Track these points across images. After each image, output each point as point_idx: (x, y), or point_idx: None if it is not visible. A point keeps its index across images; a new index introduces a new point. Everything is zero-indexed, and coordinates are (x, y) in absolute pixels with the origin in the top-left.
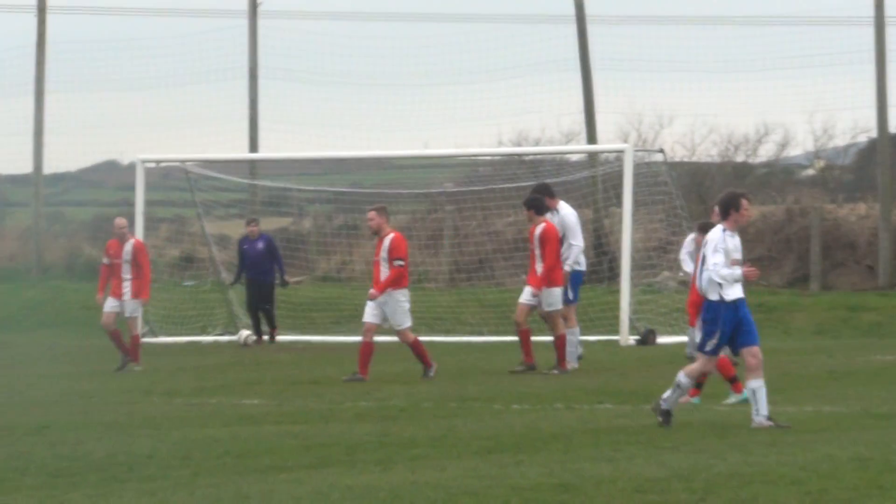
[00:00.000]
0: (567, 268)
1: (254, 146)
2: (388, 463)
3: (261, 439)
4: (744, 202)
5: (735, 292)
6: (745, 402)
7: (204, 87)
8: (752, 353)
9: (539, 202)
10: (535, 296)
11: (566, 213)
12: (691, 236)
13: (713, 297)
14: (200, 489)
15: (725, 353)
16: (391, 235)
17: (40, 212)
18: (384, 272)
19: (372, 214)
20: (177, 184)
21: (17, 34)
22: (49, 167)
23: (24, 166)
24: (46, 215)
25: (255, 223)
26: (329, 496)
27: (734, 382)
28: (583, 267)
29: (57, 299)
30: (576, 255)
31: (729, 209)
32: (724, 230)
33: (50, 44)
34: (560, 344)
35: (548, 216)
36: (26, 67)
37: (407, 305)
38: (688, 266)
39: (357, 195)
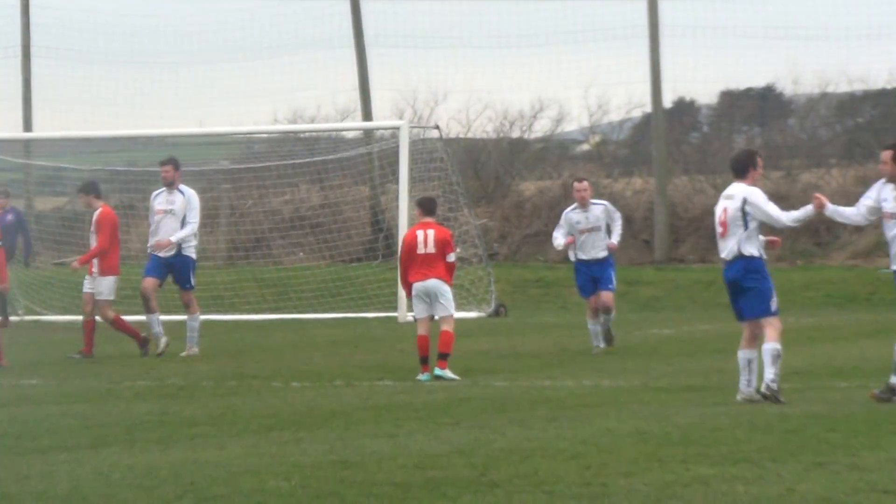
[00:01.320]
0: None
1: (28, 125)
2: (168, 442)
3: (40, 420)
4: (759, 159)
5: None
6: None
7: None
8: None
9: (93, 187)
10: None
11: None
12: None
13: (756, 253)
14: None
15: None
16: (98, 210)
17: None
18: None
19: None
20: None
21: None
22: None
23: None
24: None
25: (5, 195)
26: (109, 476)
27: (425, 364)
28: (193, 253)
29: None
30: (187, 235)
31: (748, 167)
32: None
33: None
34: (89, 328)
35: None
36: None
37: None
38: (560, 242)
39: (133, 174)
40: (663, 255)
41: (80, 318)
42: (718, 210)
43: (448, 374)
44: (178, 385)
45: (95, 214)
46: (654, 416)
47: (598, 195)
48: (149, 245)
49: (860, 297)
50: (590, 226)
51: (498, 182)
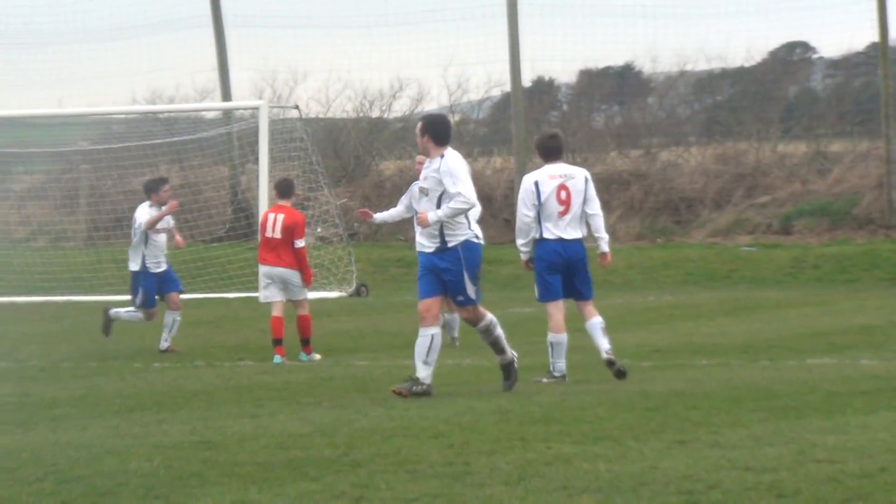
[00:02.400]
0: None
1: None
2: (29, 424)
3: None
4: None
5: None
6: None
7: None
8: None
9: None
10: None
11: None
12: None
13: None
14: None
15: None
16: None
17: None
18: None
19: None
20: None
21: None
22: None
23: None
24: None
25: None
26: None
27: (279, 345)
28: None
29: None
30: None
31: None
32: None
33: None
34: None
35: None
36: None
37: None
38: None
39: None
40: None
41: None
42: (552, 188)
43: (314, 356)
44: (39, 366)
45: None
46: (516, 394)
47: None
48: None
49: (720, 274)
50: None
51: (358, 161)
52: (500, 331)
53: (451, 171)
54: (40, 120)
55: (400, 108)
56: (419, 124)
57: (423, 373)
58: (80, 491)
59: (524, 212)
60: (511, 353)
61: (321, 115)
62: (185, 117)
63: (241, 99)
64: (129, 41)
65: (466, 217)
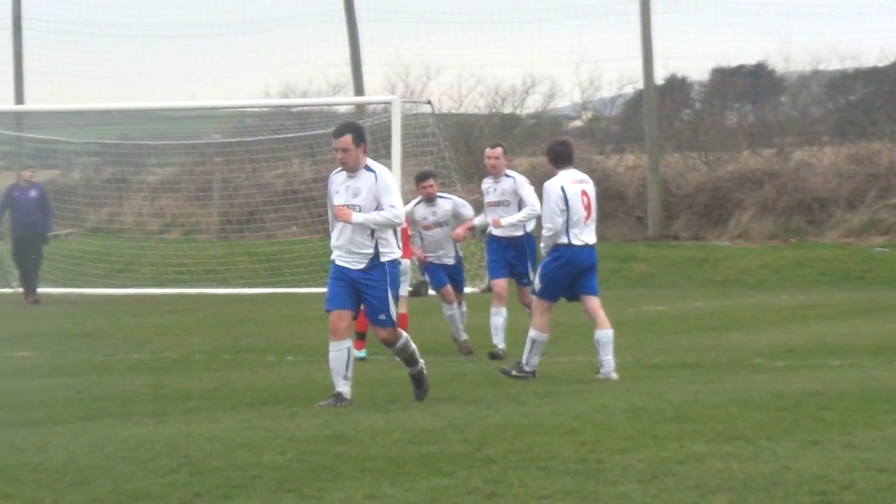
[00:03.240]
0: None
1: (19, 98)
2: (162, 415)
3: (34, 392)
4: None
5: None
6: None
7: None
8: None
9: None
10: None
11: None
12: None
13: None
14: None
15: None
16: None
17: None
18: None
19: None
20: None
21: None
22: None
23: None
24: None
25: (31, 169)
26: (104, 449)
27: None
28: None
29: None
30: None
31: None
32: None
33: None
34: None
35: None
36: None
37: None
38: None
39: (125, 147)
40: (656, 231)
41: (75, 290)
42: (576, 194)
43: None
44: (172, 359)
45: None
46: (649, 392)
47: (590, 172)
48: None
49: (853, 275)
50: (496, 199)
51: None
52: (413, 345)
53: (388, 184)
54: (175, 112)
55: (532, 105)
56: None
57: (345, 388)
58: (214, 483)
59: (556, 218)
60: (421, 362)
61: (453, 111)
62: (318, 111)
63: (374, 93)
64: (263, 35)
65: (395, 234)
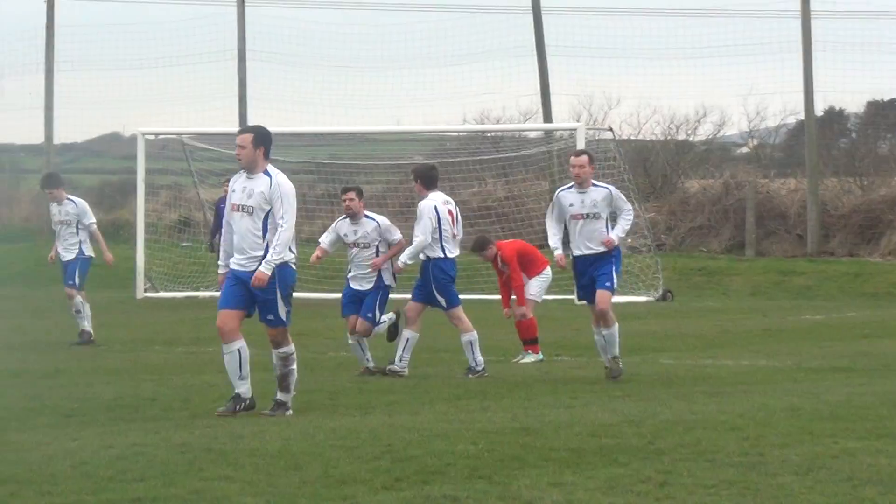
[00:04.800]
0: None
1: (243, 121)
2: (367, 408)
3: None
4: None
5: None
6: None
7: (198, 67)
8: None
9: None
10: None
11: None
12: None
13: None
14: (199, 429)
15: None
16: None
17: None
18: None
19: None
20: (174, 154)
21: (28, 17)
22: (58, 138)
23: (37, 137)
24: None
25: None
26: (314, 437)
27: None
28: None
29: None
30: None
31: None
32: None
33: (58, 26)
34: None
35: None
36: (37, 47)
37: None
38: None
39: (336, 166)
40: (815, 248)
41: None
42: (445, 213)
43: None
44: (376, 357)
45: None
46: (806, 393)
47: (755, 193)
48: None
49: None
50: (584, 211)
51: (665, 180)
52: (294, 367)
53: (285, 193)
54: (381, 136)
55: (704, 133)
56: (250, 136)
57: (243, 388)
58: (413, 469)
59: (428, 233)
60: (292, 395)
61: (632, 137)
62: (510, 136)
63: (561, 121)
64: (461, 67)
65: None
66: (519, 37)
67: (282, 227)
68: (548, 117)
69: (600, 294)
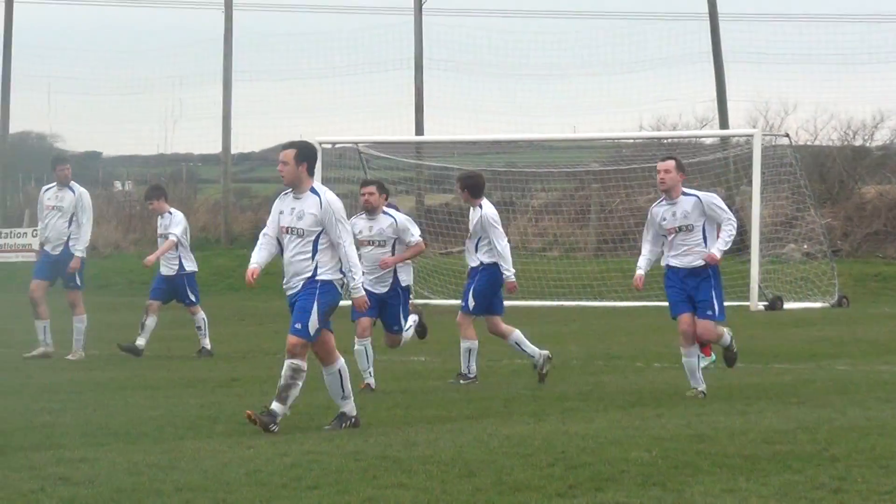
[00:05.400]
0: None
1: (419, 129)
2: (541, 415)
3: (427, 393)
4: None
5: None
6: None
7: (374, 76)
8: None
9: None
10: None
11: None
12: None
13: None
14: (373, 437)
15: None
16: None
17: (228, 188)
18: None
19: None
20: (351, 163)
21: (206, 28)
22: (236, 148)
23: (214, 147)
24: (234, 191)
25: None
26: (488, 444)
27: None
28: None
29: (243, 266)
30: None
31: None
32: None
33: (236, 37)
34: None
35: None
36: (215, 58)
37: None
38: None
39: (512, 174)
40: None
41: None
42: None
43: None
44: (550, 364)
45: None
46: None
47: None
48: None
49: None
50: (676, 224)
51: (841, 185)
52: (300, 385)
53: (338, 212)
54: (557, 143)
55: (881, 138)
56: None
57: (348, 406)
58: (586, 476)
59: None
60: (286, 408)
61: (809, 143)
62: (686, 143)
63: (737, 127)
64: (636, 75)
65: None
66: (695, 43)
67: (343, 247)
68: (724, 123)
69: (702, 325)
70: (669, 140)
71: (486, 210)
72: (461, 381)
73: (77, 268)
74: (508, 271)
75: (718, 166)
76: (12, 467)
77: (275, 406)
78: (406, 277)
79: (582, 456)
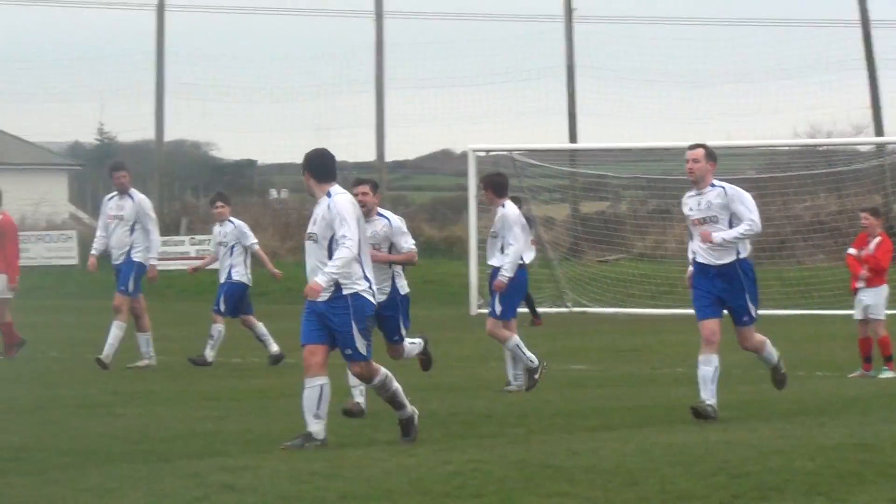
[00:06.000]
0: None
1: (572, 137)
2: (702, 424)
3: (588, 401)
4: None
5: None
6: None
7: (526, 83)
8: None
9: None
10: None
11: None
12: None
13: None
14: (535, 445)
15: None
16: None
17: (384, 195)
18: None
19: None
20: (505, 171)
21: (357, 36)
22: (390, 156)
23: (368, 155)
24: (390, 199)
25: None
26: (651, 453)
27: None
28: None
29: None
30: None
31: None
32: None
33: (387, 45)
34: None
35: None
36: (368, 67)
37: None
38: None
39: (667, 181)
40: None
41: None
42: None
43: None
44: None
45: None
46: None
47: None
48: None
49: None
50: (701, 215)
51: None
52: (396, 385)
53: (339, 212)
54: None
55: None
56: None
57: (316, 427)
58: (750, 486)
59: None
60: (411, 408)
61: None
62: (842, 150)
63: (893, 134)
64: (790, 81)
65: (361, 266)
66: (849, 49)
67: (343, 244)
68: (879, 130)
69: (742, 333)
70: (825, 147)
71: (508, 209)
72: (535, 377)
73: (155, 278)
74: (506, 273)
75: (875, 174)
76: (177, 475)
77: (400, 414)
78: (404, 284)
79: (745, 465)
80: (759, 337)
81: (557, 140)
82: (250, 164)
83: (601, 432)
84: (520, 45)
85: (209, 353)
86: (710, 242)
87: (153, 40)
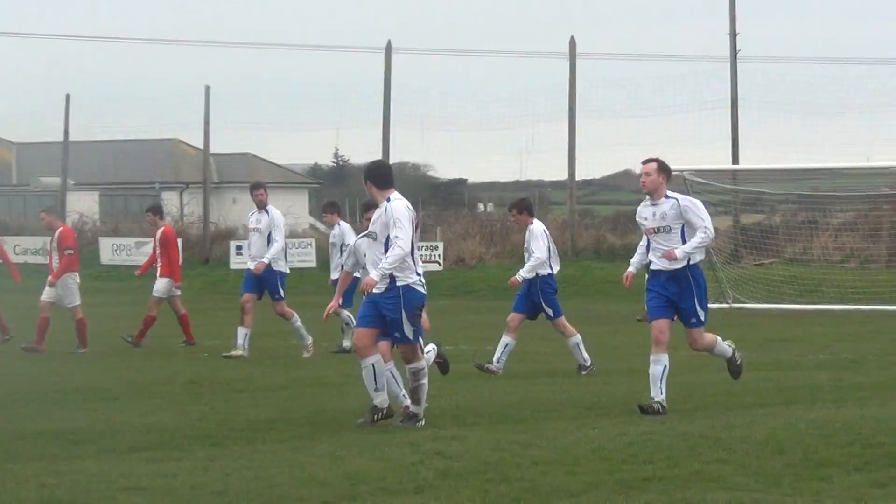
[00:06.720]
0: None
1: (735, 159)
2: (841, 402)
3: (744, 382)
4: None
5: None
6: None
7: (697, 114)
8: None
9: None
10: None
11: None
12: None
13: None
14: (699, 419)
15: None
16: (60, 229)
17: (574, 209)
18: (56, 261)
19: (43, 215)
20: (676, 188)
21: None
22: (580, 175)
23: (562, 174)
24: (578, 212)
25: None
26: (796, 426)
27: None
28: (283, 267)
29: (587, 275)
30: (275, 252)
31: None
32: None
33: (580, 81)
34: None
35: None
36: (562, 100)
37: (75, 287)
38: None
39: (816, 197)
40: None
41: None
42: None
43: None
44: (849, 359)
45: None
46: None
47: None
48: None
49: None
50: (655, 224)
51: None
52: (426, 382)
53: (395, 215)
54: (853, 171)
55: None
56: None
57: (379, 399)
58: (881, 454)
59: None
60: (421, 410)
61: None
62: None
63: None
64: None
65: (413, 261)
66: None
67: (395, 243)
68: None
69: (691, 334)
70: None
71: (535, 226)
72: (582, 373)
73: (260, 270)
74: (523, 273)
75: None
76: (396, 443)
77: (413, 409)
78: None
79: (878, 437)
80: (709, 337)
81: (720, 162)
82: (461, 182)
83: (754, 409)
84: (690, 83)
85: (346, 343)
86: (675, 259)
87: (381, 78)
